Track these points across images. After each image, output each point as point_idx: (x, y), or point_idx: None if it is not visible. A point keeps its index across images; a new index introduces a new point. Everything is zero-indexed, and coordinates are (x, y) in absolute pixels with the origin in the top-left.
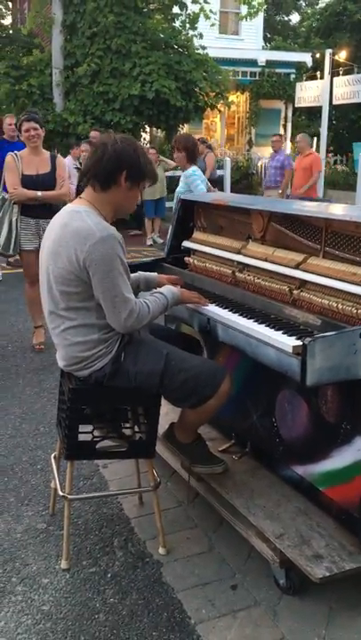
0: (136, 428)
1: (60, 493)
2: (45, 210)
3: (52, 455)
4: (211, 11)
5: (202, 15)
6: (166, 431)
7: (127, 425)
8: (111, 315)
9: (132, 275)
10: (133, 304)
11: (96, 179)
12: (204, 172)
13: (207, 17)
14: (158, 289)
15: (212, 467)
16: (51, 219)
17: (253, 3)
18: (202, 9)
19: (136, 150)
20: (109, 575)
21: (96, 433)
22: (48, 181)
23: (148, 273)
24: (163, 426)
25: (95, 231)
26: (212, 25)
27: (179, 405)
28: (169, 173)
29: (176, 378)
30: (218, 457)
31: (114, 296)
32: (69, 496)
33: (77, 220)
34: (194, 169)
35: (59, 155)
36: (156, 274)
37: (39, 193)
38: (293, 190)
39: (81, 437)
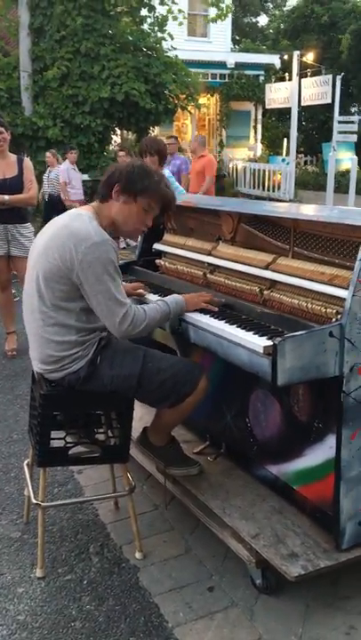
0: (110, 433)
1: (34, 501)
2: (14, 214)
3: (25, 462)
4: (179, 10)
5: (170, 17)
6: (140, 436)
7: (100, 430)
8: (106, 319)
9: None
10: (127, 308)
11: (99, 190)
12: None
13: (175, 18)
14: (162, 298)
15: (187, 468)
16: (19, 223)
17: (222, 5)
18: (169, 10)
19: (134, 166)
20: (85, 582)
21: (69, 439)
22: (15, 185)
23: None
24: (137, 429)
25: (93, 235)
26: (180, 24)
27: (157, 406)
28: None
29: (155, 379)
30: (192, 458)
31: (107, 299)
32: (43, 503)
33: (78, 222)
34: (168, 173)
35: (26, 157)
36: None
37: (6, 197)
38: None
39: (53, 444)
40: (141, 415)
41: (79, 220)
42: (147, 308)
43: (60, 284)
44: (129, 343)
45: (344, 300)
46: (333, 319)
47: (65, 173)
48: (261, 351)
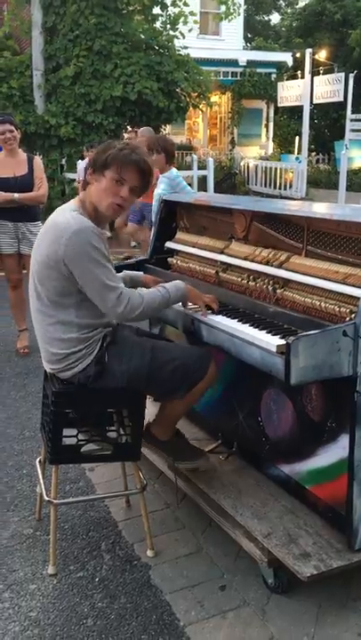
0: (121, 431)
1: (46, 498)
2: (24, 212)
3: (37, 460)
4: (192, 13)
5: (182, 18)
6: (143, 432)
7: (112, 428)
8: (101, 305)
9: (118, 274)
10: (118, 292)
11: (95, 165)
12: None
13: (185, 22)
14: (162, 284)
15: (195, 461)
16: (30, 221)
17: (229, 2)
18: (181, 12)
19: (102, 146)
20: (97, 579)
21: (80, 436)
22: (26, 183)
23: (134, 272)
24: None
25: (72, 224)
26: (190, 30)
27: (169, 397)
28: None
29: (164, 369)
30: (200, 449)
31: (97, 286)
32: (55, 501)
33: (60, 216)
34: (176, 172)
35: (35, 156)
36: (142, 273)
37: (16, 195)
38: None
39: (65, 441)
40: (152, 413)
41: (61, 213)
42: (144, 292)
43: (51, 279)
44: (136, 336)
45: (358, 299)
46: (347, 318)
47: (84, 172)
48: (275, 350)
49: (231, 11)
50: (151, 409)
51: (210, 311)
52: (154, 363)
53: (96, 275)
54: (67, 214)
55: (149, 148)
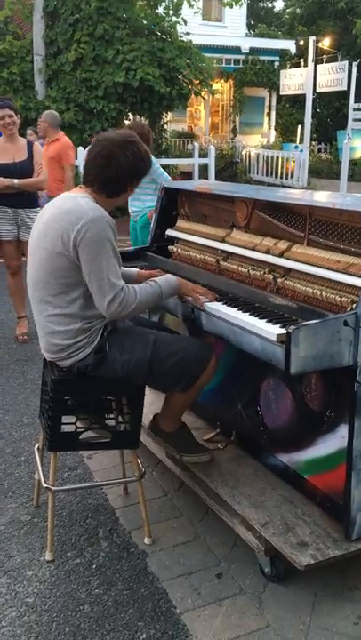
0: (120, 419)
1: (44, 485)
2: (23, 199)
3: (36, 447)
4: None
5: (185, 2)
6: (150, 423)
7: (111, 415)
8: (96, 297)
9: None
10: (119, 289)
11: (104, 189)
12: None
13: (190, 5)
14: (154, 278)
15: (198, 455)
16: (29, 207)
17: None
18: None
19: (146, 156)
20: (94, 566)
21: (79, 424)
22: (25, 169)
23: (126, 269)
24: (147, 415)
25: (87, 211)
26: (196, 13)
27: (169, 391)
28: None
29: (166, 362)
30: (203, 445)
31: (100, 279)
32: (53, 487)
33: (71, 203)
34: (153, 159)
35: (35, 142)
36: (135, 270)
37: (16, 181)
38: (48, 191)
39: (64, 428)
40: (152, 400)
41: (72, 201)
42: (138, 288)
43: (60, 268)
44: (139, 328)
45: (360, 288)
46: (348, 308)
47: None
48: (275, 339)
49: None
50: (150, 397)
51: (207, 299)
52: (155, 356)
53: (103, 267)
54: (80, 201)
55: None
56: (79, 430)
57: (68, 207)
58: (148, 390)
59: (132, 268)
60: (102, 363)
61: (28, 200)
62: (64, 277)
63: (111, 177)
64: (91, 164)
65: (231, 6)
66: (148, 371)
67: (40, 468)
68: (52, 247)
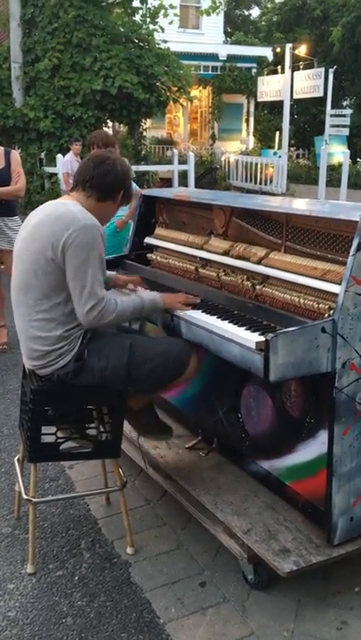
0: (101, 428)
1: (25, 497)
2: (1, 207)
3: (16, 458)
4: (171, 6)
5: (162, 12)
6: None
7: (92, 425)
8: (76, 304)
9: None
10: (100, 299)
11: (95, 190)
12: None
13: (166, 15)
14: (139, 293)
15: (159, 435)
16: (7, 216)
17: None
18: (161, 5)
19: (129, 174)
20: (77, 578)
21: (60, 434)
22: (3, 177)
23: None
24: (127, 424)
25: (80, 218)
26: (171, 22)
27: (150, 395)
28: None
29: (143, 368)
30: (166, 424)
31: (82, 286)
32: (34, 499)
33: (62, 209)
34: None
35: (13, 150)
36: (114, 273)
37: None
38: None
39: (44, 439)
40: None
41: (64, 207)
42: (119, 301)
43: (47, 272)
44: (117, 333)
45: (337, 295)
46: (326, 315)
47: (68, 164)
48: (254, 347)
49: (217, 4)
50: None
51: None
52: (132, 362)
53: (88, 276)
54: (71, 207)
55: (92, 142)
56: (60, 441)
57: (60, 213)
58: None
59: (110, 272)
60: (82, 370)
61: (6, 208)
62: (48, 282)
63: (103, 176)
64: (83, 166)
65: (209, 14)
66: (126, 376)
67: (20, 479)
68: (39, 251)
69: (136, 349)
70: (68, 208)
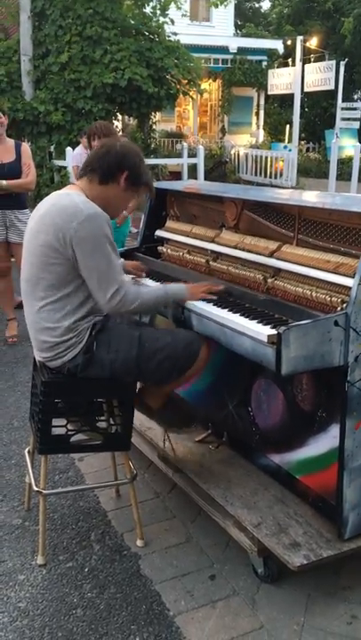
0: (111, 421)
1: (35, 488)
2: (12, 200)
3: (26, 450)
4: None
5: (173, 2)
6: (135, 398)
7: (102, 418)
8: (96, 293)
9: None
10: (119, 284)
11: (96, 172)
12: None
13: (179, 7)
14: (165, 284)
15: (184, 430)
16: (18, 209)
17: None
18: None
19: (140, 158)
20: (86, 569)
21: (70, 427)
22: (14, 170)
23: None
24: (138, 417)
25: (82, 209)
26: (183, 15)
27: (161, 385)
28: None
29: (152, 359)
30: (188, 416)
31: (99, 275)
32: (44, 491)
33: (65, 200)
34: None
35: (23, 142)
36: (121, 260)
37: (4, 182)
38: None
39: (55, 431)
40: None
41: (67, 197)
42: (142, 289)
43: (55, 264)
44: (125, 325)
45: (350, 288)
46: (339, 308)
47: (78, 157)
48: (266, 340)
49: None
50: None
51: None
52: (141, 353)
53: (102, 264)
54: (75, 198)
55: (93, 132)
56: (70, 433)
57: (64, 204)
58: None
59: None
60: (91, 363)
61: (17, 201)
62: (56, 273)
63: (103, 156)
64: (92, 155)
65: (217, 6)
66: (136, 368)
67: (31, 471)
68: (45, 243)
69: (145, 341)
70: (71, 199)
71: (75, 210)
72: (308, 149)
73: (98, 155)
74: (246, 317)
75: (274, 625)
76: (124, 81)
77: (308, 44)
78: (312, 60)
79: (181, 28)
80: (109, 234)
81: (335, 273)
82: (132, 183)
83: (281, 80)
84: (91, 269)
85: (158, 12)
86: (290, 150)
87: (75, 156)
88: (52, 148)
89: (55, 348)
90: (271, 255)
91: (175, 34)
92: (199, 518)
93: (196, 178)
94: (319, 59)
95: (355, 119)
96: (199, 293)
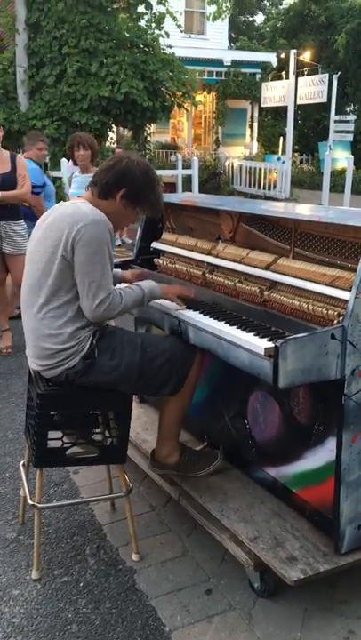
0: (107, 433)
1: (30, 502)
2: (6, 211)
3: (21, 463)
4: (173, 16)
5: (168, 15)
6: (151, 461)
7: (97, 430)
8: (83, 299)
9: None
10: (108, 294)
11: (96, 185)
12: None
13: (175, 19)
14: (137, 282)
15: (212, 466)
16: (12, 220)
17: (221, 2)
18: (168, 11)
19: (145, 176)
20: (82, 584)
21: (66, 439)
22: (8, 181)
23: (115, 269)
24: (134, 429)
25: (89, 214)
26: (179, 26)
27: (159, 394)
28: None
29: (154, 364)
30: (209, 450)
31: (91, 281)
32: (39, 504)
33: (71, 207)
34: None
35: (19, 154)
36: (120, 270)
37: None
38: None
39: (50, 444)
40: (138, 415)
41: (73, 206)
42: (123, 293)
43: (59, 270)
44: (126, 331)
45: (346, 301)
46: (335, 321)
47: (72, 168)
48: (263, 353)
49: (223, 9)
50: (136, 412)
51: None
52: (144, 359)
53: (97, 270)
54: (80, 206)
55: (78, 142)
56: (66, 446)
57: (69, 211)
58: (133, 404)
59: (117, 269)
60: (91, 369)
61: (12, 212)
62: (61, 279)
63: (104, 171)
64: (100, 167)
65: (215, 19)
66: (138, 373)
67: (26, 484)
68: (51, 249)
69: (147, 346)
70: (76, 206)
71: (80, 215)
72: (301, 161)
73: (103, 168)
74: (243, 330)
75: None
76: (121, 95)
77: (301, 58)
78: (305, 73)
79: (176, 41)
80: (109, 242)
81: (332, 286)
82: (130, 201)
83: (274, 93)
84: (85, 273)
85: (153, 24)
86: (283, 162)
87: (69, 167)
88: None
89: (56, 355)
90: (267, 268)
91: (170, 46)
92: (195, 532)
93: (190, 189)
94: (312, 72)
95: (348, 132)
96: (170, 294)
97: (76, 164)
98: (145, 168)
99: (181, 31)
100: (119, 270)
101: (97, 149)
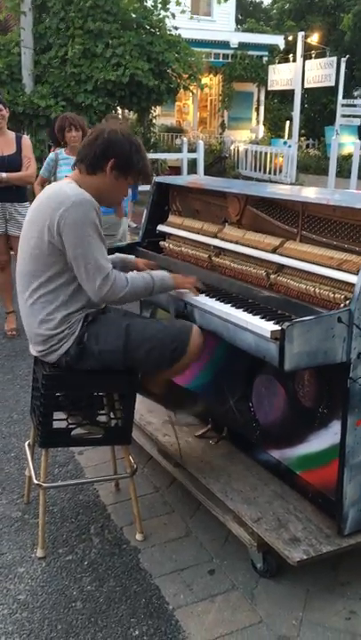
0: (112, 415)
1: (35, 481)
2: (12, 193)
3: (27, 443)
4: None
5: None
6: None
7: (102, 411)
8: (85, 283)
9: (109, 256)
10: (108, 272)
11: (83, 161)
12: None
13: (178, 3)
14: (149, 271)
15: (189, 409)
16: (17, 202)
17: None
18: None
19: (131, 143)
20: (86, 563)
21: (71, 420)
22: (14, 162)
23: (125, 255)
24: (138, 411)
25: (70, 195)
26: (183, 12)
27: (153, 374)
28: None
29: (140, 349)
30: (190, 392)
31: (87, 263)
32: (44, 484)
33: (54, 189)
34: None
35: (24, 135)
36: (133, 257)
37: (4, 174)
38: None
39: (55, 425)
40: (142, 397)
41: (56, 187)
42: (130, 276)
43: (47, 255)
44: (114, 316)
45: (353, 285)
46: (342, 305)
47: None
48: (269, 336)
49: None
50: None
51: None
52: (128, 344)
53: (90, 251)
54: (64, 187)
55: (71, 123)
56: (71, 426)
57: (51, 193)
58: None
59: (129, 255)
60: (83, 354)
61: (17, 194)
62: (50, 264)
63: (89, 144)
64: (82, 143)
65: (220, 2)
66: (124, 358)
67: (31, 464)
68: (37, 235)
69: (132, 331)
70: (59, 187)
71: (63, 197)
72: (307, 146)
73: (86, 143)
74: (249, 313)
75: (273, 619)
76: (126, 78)
77: (309, 40)
78: (313, 56)
79: (183, 23)
80: (97, 221)
81: (339, 269)
82: (120, 171)
83: (281, 76)
84: (78, 257)
85: (159, 5)
86: (290, 146)
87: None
88: (51, 141)
89: (49, 340)
90: (274, 251)
91: (176, 28)
92: (198, 513)
93: (195, 173)
94: (320, 55)
95: (355, 116)
96: (185, 284)
97: (60, 145)
98: (128, 135)
99: (182, 12)
100: (133, 257)
101: (87, 131)
